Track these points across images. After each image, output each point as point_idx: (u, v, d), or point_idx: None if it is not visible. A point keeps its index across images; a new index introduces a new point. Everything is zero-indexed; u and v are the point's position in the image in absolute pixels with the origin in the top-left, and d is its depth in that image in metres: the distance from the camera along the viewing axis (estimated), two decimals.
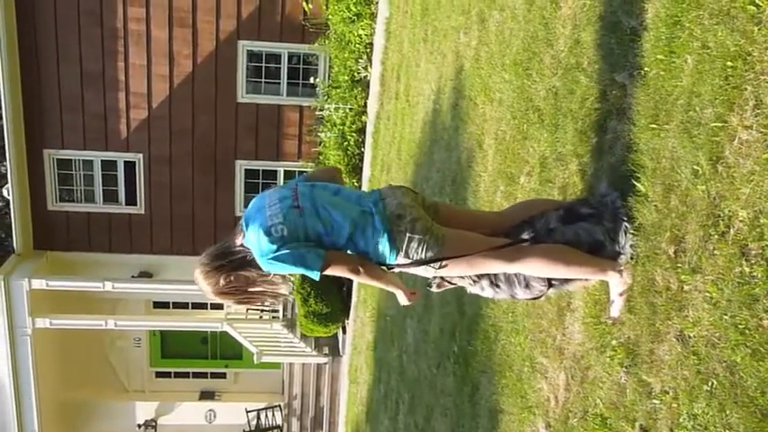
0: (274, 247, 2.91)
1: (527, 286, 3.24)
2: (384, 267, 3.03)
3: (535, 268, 3.08)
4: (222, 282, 3.06)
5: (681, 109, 2.82)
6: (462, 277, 3.30)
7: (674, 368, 2.75)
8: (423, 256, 2.94)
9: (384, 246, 2.94)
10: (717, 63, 2.61)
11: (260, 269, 3.02)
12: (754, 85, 2.43)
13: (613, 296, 3.14)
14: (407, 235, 2.92)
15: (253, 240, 2.98)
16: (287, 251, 2.90)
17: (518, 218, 3.26)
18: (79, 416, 13.90)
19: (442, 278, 3.35)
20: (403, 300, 3.17)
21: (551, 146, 4.05)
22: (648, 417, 2.88)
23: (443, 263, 2.96)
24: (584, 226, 3.04)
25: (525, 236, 3.10)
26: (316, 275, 2.94)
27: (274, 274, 3.10)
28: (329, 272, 2.96)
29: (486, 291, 3.33)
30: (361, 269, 2.96)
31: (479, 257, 3.01)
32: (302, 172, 12.56)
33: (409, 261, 2.96)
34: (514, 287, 3.26)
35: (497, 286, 3.28)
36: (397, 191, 3.09)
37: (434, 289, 3.44)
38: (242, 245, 3.05)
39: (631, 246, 3.04)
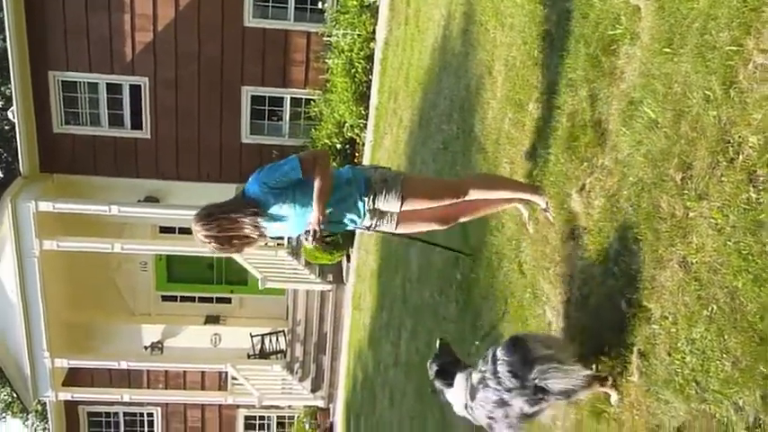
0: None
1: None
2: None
3: (479, 194, 3.92)
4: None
5: (696, 33, 2.76)
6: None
7: (674, 294, 2.76)
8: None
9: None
10: None
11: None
12: None
13: None
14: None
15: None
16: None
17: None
18: (87, 337, 14.15)
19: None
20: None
21: (562, 71, 3.99)
22: (647, 342, 2.92)
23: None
24: None
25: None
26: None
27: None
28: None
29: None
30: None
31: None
32: (310, 100, 12.43)
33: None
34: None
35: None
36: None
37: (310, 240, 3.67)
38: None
39: None
